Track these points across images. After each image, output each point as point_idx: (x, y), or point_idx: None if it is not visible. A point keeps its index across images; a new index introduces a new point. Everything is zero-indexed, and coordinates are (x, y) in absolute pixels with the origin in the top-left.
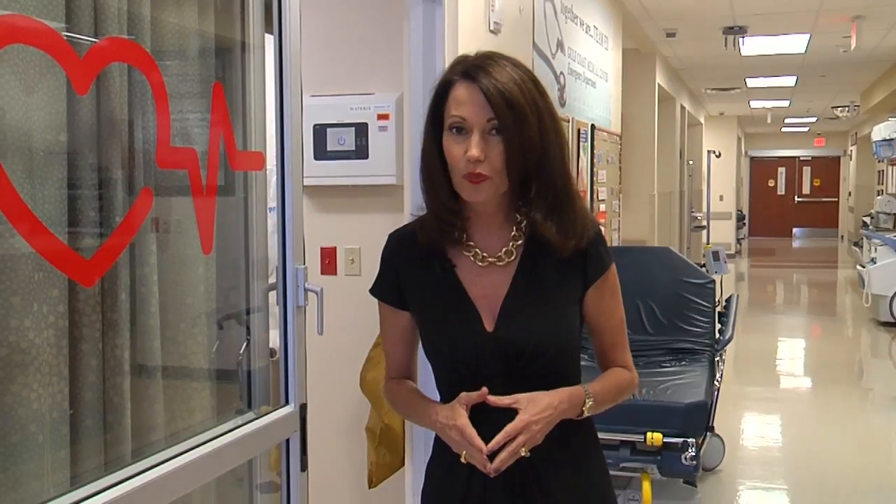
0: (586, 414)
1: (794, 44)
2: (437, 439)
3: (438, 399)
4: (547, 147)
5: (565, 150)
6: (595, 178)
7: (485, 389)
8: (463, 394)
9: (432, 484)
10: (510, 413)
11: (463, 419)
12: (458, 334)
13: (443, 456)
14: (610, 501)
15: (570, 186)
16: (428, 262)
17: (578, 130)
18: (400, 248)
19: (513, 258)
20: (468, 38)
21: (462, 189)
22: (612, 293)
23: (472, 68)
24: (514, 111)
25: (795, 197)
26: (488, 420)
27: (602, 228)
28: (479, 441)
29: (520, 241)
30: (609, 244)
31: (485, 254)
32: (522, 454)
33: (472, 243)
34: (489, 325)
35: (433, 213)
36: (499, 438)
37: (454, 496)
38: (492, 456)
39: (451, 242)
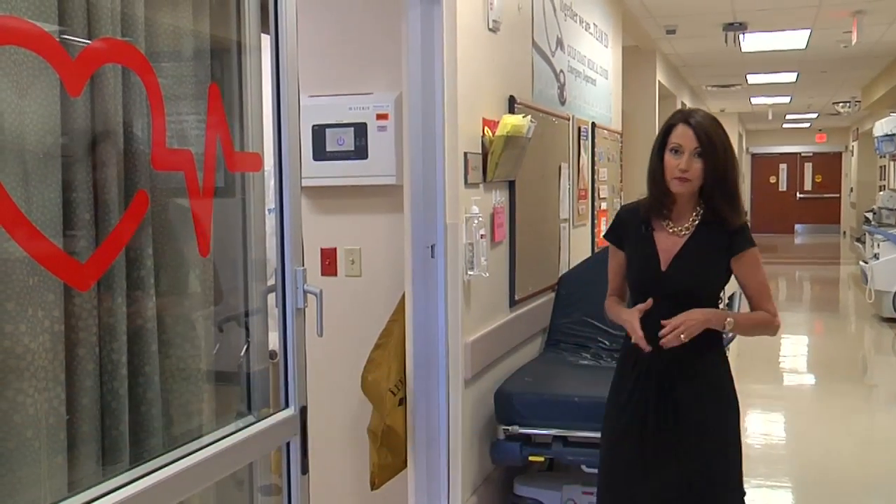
0: (727, 329)
1: (795, 39)
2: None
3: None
4: (727, 166)
5: (738, 168)
6: (596, 176)
7: (650, 301)
8: (640, 304)
9: (619, 364)
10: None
11: (634, 318)
12: (644, 269)
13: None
14: (724, 398)
15: (738, 189)
16: (639, 225)
17: (579, 128)
18: (628, 214)
19: (689, 231)
20: (467, 37)
21: (672, 185)
22: (750, 265)
23: (688, 116)
24: (711, 144)
25: (797, 193)
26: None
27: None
28: (640, 331)
29: (696, 223)
30: None
31: (674, 226)
32: (682, 339)
33: (669, 218)
34: (664, 267)
35: (653, 197)
36: (672, 324)
37: (629, 370)
38: (655, 341)
39: (658, 216)
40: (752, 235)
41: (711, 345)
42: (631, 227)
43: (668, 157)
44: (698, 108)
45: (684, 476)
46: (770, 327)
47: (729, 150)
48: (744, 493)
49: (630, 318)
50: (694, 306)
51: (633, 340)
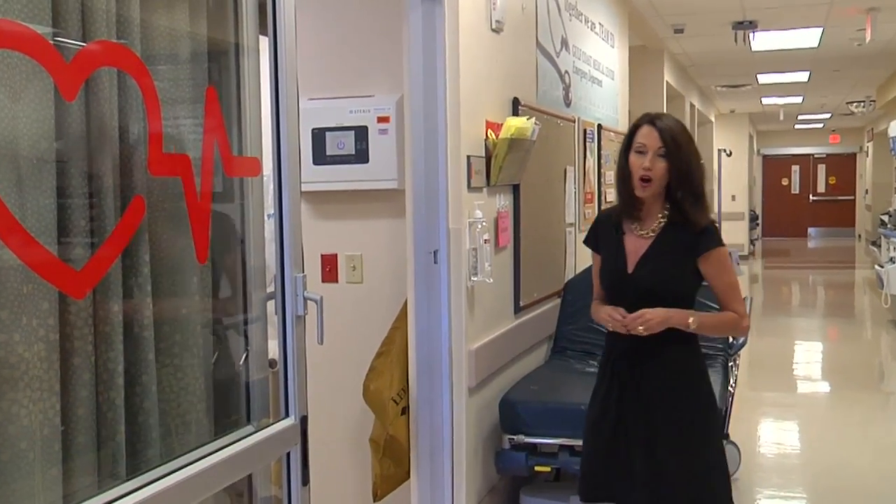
0: (692, 328)
1: (807, 38)
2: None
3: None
4: (691, 168)
5: (702, 170)
6: (602, 179)
7: (641, 312)
8: (621, 308)
9: (599, 367)
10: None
11: (614, 309)
12: (612, 271)
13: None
14: (689, 389)
15: (704, 191)
16: (612, 229)
17: (584, 130)
18: (603, 218)
19: (655, 233)
20: (469, 38)
21: (636, 187)
22: (717, 265)
23: (655, 119)
24: (675, 144)
25: (810, 196)
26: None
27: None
28: (617, 315)
29: (662, 224)
30: None
31: (641, 228)
32: (640, 331)
33: (637, 222)
34: (630, 269)
35: (621, 199)
36: (632, 316)
37: (606, 361)
38: (624, 338)
39: (628, 219)
40: (756, 241)
41: (681, 346)
42: (605, 231)
43: (633, 157)
44: (667, 112)
45: (651, 474)
46: (737, 328)
47: (693, 151)
48: None
49: (608, 309)
50: (663, 307)
51: (610, 327)
